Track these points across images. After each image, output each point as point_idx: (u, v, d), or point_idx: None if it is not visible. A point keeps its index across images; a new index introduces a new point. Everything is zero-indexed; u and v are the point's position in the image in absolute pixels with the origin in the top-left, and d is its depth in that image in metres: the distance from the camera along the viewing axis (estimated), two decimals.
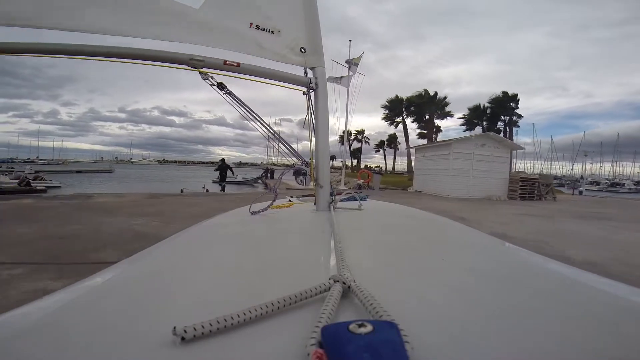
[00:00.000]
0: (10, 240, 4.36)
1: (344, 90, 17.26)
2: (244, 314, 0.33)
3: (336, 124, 22.06)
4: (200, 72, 1.05)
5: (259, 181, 28.69)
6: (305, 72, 1.23)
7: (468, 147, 14.86)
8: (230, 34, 1.14)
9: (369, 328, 0.28)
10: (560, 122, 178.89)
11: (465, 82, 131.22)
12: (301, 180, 1.23)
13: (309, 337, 0.29)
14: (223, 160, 15.34)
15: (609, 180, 54.46)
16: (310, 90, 1.23)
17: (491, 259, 0.68)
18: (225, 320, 0.32)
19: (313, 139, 1.23)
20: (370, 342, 0.26)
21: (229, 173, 15.83)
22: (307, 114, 1.24)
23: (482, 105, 39.76)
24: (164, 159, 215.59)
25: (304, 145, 1.60)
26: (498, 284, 0.50)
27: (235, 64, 1.09)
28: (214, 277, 0.53)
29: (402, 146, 56.67)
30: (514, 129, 38.67)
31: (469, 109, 41.00)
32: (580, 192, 24.48)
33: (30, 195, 11.13)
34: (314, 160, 1.20)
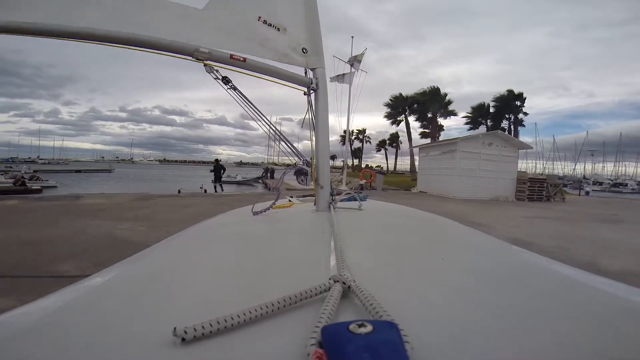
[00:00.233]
0: None
1: (345, 89, 16.89)
2: (244, 314, 0.33)
3: (337, 123, 21.57)
4: (205, 65, 1.05)
5: (259, 181, 28.34)
6: (306, 73, 1.25)
7: (475, 146, 14.50)
8: (235, 33, 1.15)
9: (369, 328, 0.28)
10: (562, 121, 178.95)
11: (466, 81, 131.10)
12: (302, 180, 1.23)
13: (309, 337, 0.29)
14: (217, 160, 15.41)
15: (612, 181, 54.03)
16: (311, 91, 1.24)
17: (491, 259, 0.68)
18: (226, 320, 0.32)
19: (313, 140, 1.24)
20: (370, 342, 0.26)
21: (229, 173, 15.66)
22: (309, 114, 1.25)
23: (486, 104, 39.05)
24: (164, 159, 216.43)
25: (304, 145, 1.65)
26: (498, 284, 0.50)
27: (242, 59, 1.10)
28: (214, 277, 0.53)
29: (404, 145, 56.21)
30: (519, 129, 37.87)
31: (473, 108, 40.44)
32: (587, 193, 23.89)
33: (23, 195, 10.72)
34: (314, 161, 1.21)
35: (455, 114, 39.49)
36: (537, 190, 14.47)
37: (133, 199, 9.12)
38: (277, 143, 1.30)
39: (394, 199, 10.28)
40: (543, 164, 54.81)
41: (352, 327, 0.28)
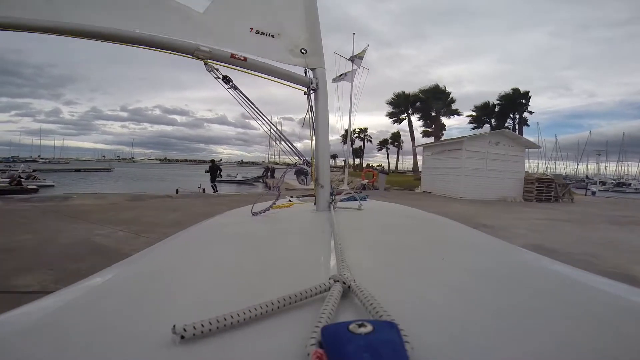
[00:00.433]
0: None
1: (346, 88, 16.36)
2: (244, 313, 0.33)
3: (338, 122, 21.05)
4: (206, 64, 1.06)
5: (260, 180, 27.97)
6: (306, 73, 1.25)
7: (482, 145, 14.14)
8: (233, 37, 1.17)
9: (369, 328, 0.28)
10: (563, 121, 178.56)
11: (467, 81, 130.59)
12: (302, 180, 1.23)
13: (309, 337, 0.29)
14: (213, 161, 15.67)
15: (615, 180, 53.50)
16: (311, 91, 1.24)
17: (491, 258, 0.68)
18: (225, 319, 0.32)
19: (313, 140, 1.24)
20: (370, 342, 0.27)
21: (230, 172, 15.67)
22: (309, 114, 1.25)
23: (490, 103, 38.37)
24: (165, 158, 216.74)
25: (305, 144, 1.56)
26: (498, 283, 0.50)
27: (242, 58, 1.11)
28: (213, 277, 0.53)
29: (405, 145, 55.66)
30: (523, 128, 37.11)
31: (477, 107, 39.86)
32: (593, 193, 23.36)
33: (16, 195, 10.24)
34: (314, 160, 1.21)
35: (459, 113, 38.97)
36: (545, 190, 14.16)
37: (124, 200, 8.72)
38: (278, 143, 1.31)
39: (398, 200, 9.83)
40: (545, 164, 54.19)
41: (352, 327, 0.28)
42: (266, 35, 1.19)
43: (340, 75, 16.46)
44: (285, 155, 1.32)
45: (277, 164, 36.96)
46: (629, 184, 48.06)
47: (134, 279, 0.53)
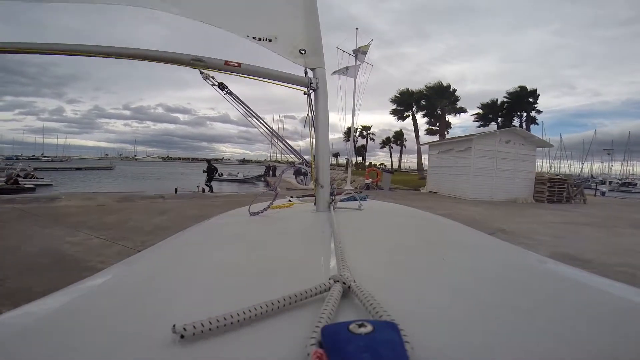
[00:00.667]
0: None
1: (349, 85, 15.71)
2: (244, 313, 0.33)
3: (341, 120, 20.42)
4: (202, 72, 1.08)
5: (262, 179, 27.45)
6: (306, 73, 1.25)
7: (491, 144, 13.68)
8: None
9: (369, 328, 0.28)
10: (567, 120, 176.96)
11: (470, 80, 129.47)
12: (301, 180, 1.23)
13: (309, 337, 0.29)
14: (209, 161, 15.48)
15: (620, 180, 52.62)
16: (311, 91, 1.25)
17: (491, 259, 0.68)
18: (225, 319, 0.32)
19: (313, 139, 1.25)
20: (370, 342, 0.27)
21: (230, 171, 15.41)
22: (308, 113, 1.26)
23: (497, 101, 37.57)
24: (168, 156, 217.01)
25: (307, 143, 1.44)
26: (498, 284, 0.50)
27: (236, 65, 1.12)
28: (213, 277, 0.53)
29: (408, 143, 54.87)
30: (530, 127, 36.14)
31: (483, 105, 39.10)
32: (603, 194, 22.67)
33: (6, 195, 9.72)
34: (314, 160, 1.21)
35: (465, 111, 38.12)
36: (557, 191, 13.77)
37: (112, 201, 8.25)
38: (278, 143, 1.33)
39: (405, 201, 9.30)
40: (549, 163, 53.22)
41: (352, 327, 0.28)
42: (263, 40, 1.21)
43: (341, 69, 15.82)
44: (286, 154, 1.34)
45: (279, 162, 36.42)
46: (635, 184, 47.32)
47: (134, 279, 0.54)
